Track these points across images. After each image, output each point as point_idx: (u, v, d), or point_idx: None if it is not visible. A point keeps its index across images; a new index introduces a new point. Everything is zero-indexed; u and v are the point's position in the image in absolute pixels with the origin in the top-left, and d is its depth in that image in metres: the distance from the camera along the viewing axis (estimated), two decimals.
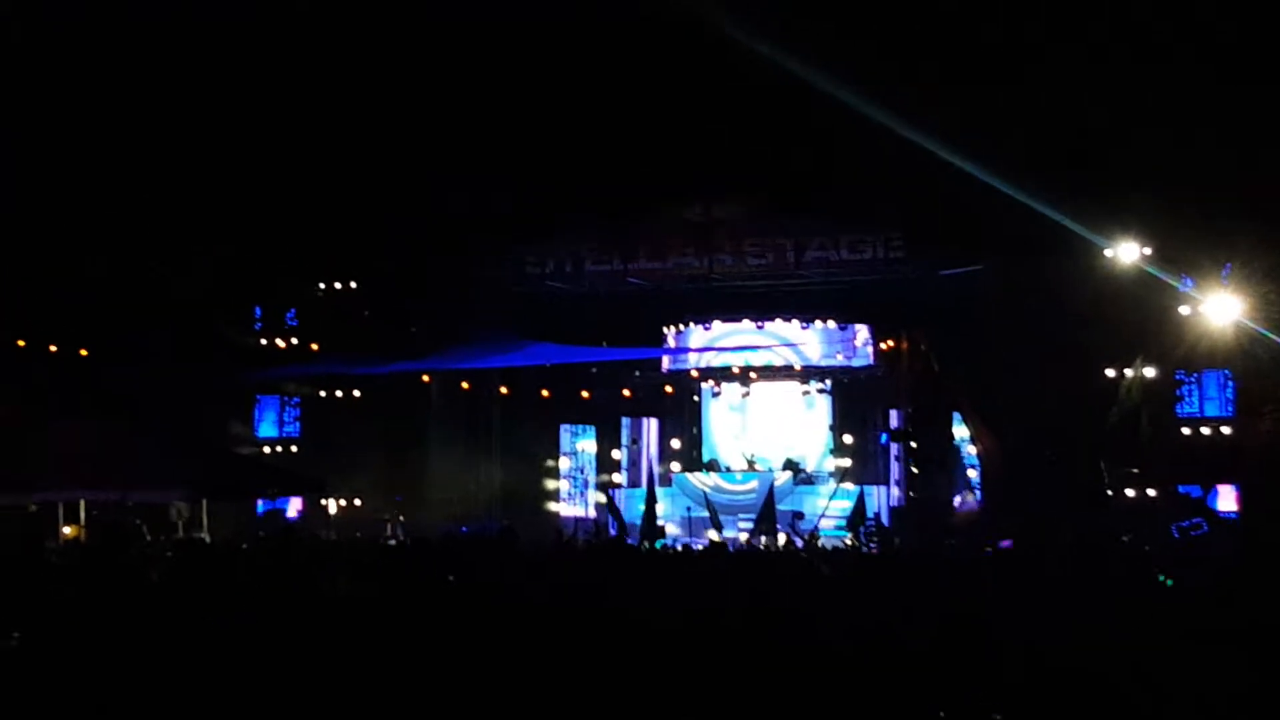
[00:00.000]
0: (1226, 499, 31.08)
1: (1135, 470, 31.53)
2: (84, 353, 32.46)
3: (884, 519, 34.36)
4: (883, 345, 37.75)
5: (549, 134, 30.18)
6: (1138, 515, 29.79)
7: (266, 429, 38.21)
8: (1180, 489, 31.09)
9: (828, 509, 33.04)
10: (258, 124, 29.50)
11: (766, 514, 32.46)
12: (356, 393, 36.81)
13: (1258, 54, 24.72)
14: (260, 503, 34.19)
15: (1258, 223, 27.46)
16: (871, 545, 29.89)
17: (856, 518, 32.26)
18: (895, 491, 37.89)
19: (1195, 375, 32.00)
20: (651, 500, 31.49)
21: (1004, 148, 27.06)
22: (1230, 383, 31.63)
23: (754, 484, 37.11)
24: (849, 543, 30.02)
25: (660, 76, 28.62)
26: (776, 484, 37.43)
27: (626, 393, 40.90)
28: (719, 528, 32.62)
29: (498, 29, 27.02)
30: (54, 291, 31.42)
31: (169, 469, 23.02)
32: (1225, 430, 31.59)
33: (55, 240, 30.48)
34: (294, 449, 37.47)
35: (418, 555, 16.87)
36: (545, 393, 39.15)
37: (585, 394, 40.14)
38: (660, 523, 32.37)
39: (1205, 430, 31.79)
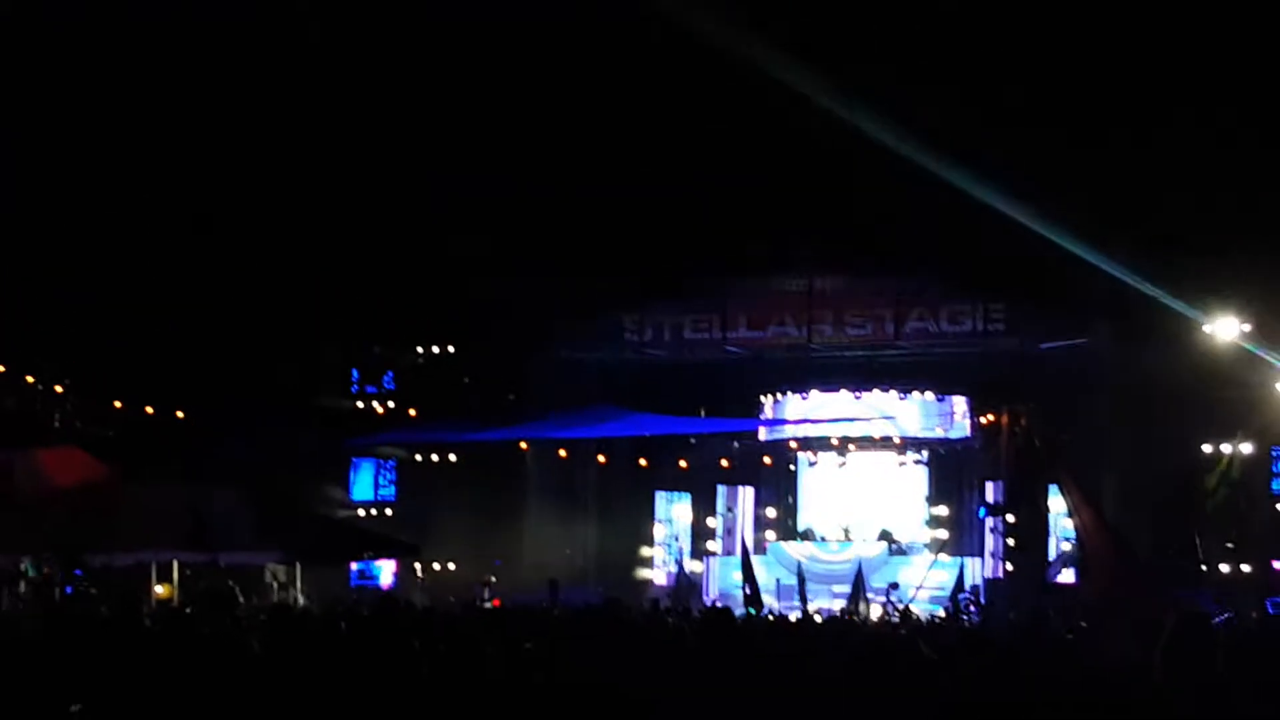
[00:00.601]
0: None
1: (1231, 545, 31.46)
2: (180, 414, 32.73)
3: (981, 591, 34.29)
4: (981, 419, 37.70)
5: (655, 203, 30.56)
6: (1231, 590, 29.76)
7: (361, 492, 38.43)
8: (1275, 563, 31.11)
9: (925, 580, 33.04)
10: (362, 188, 30.04)
11: (858, 584, 32.56)
12: (452, 457, 36.92)
13: None
14: (354, 567, 34.64)
15: None
16: (971, 614, 29.90)
17: (956, 589, 32.34)
18: (991, 563, 37.84)
19: None
20: (749, 568, 31.62)
21: (1105, 222, 27.22)
22: None
23: (849, 553, 37.10)
24: (944, 614, 30.00)
25: (772, 148, 29.07)
26: (871, 555, 37.60)
27: (725, 463, 41.07)
28: (804, 599, 32.63)
29: (613, 93, 27.56)
30: (151, 351, 31.78)
31: (263, 531, 23.23)
32: None
33: (153, 300, 30.88)
34: (388, 512, 37.69)
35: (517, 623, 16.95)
36: (643, 461, 39.35)
37: (683, 463, 40.36)
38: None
39: None
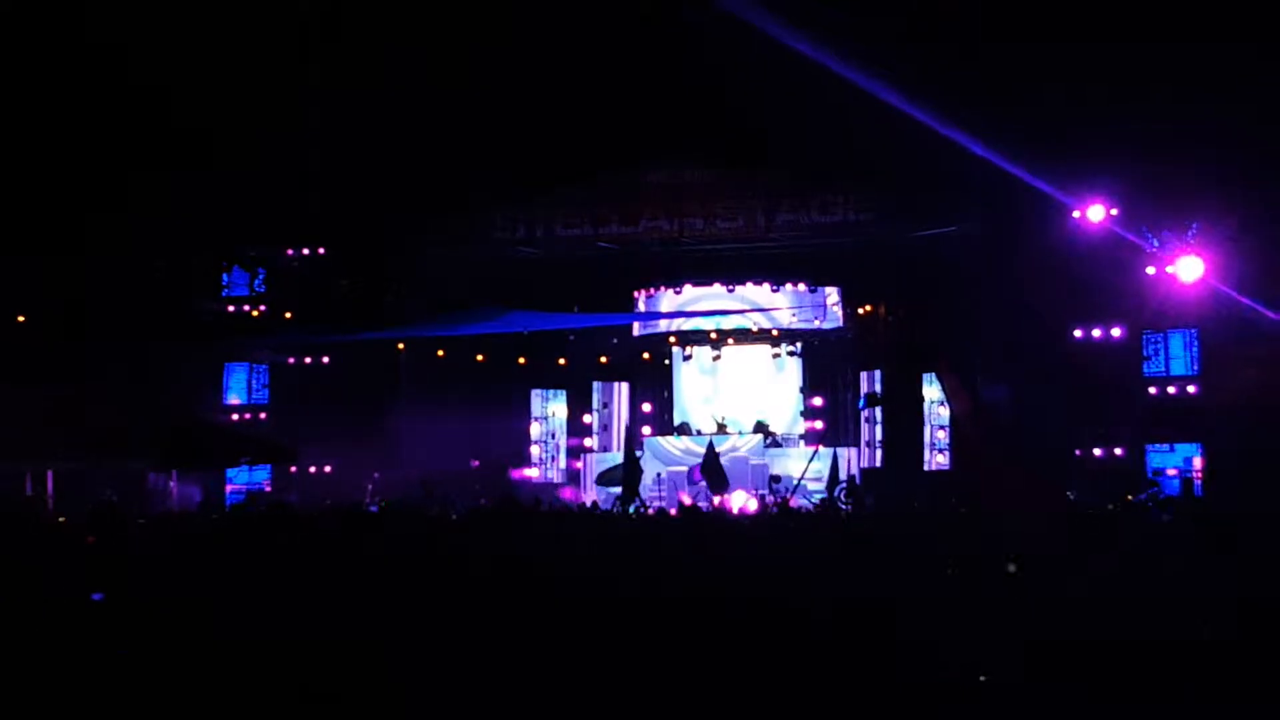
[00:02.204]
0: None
1: (1102, 431, 31.83)
2: (22, 319, 32.10)
3: (856, 480, 34.52)
4: (857, 309, 37.85)
5: (520, 98, 30.29)
6: (1103, 476, 30.20)
7: (235, 396, 38.06)
8: (1147, 448, 31.53)
9: (807, 472, 33.21)
10: (229, 86, 29.53)
11: (716, 472, 32.78)
12: (326, 359, 36.67)
13: (1222, 16, 24.95)
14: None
15: (1223, 182, 27.77)
16: (847, 505, 30.14)
17: (832, 480, 32.60)
18: (867, 453, 38.16)
19: (1161, 335, 32.21)
20: (634, 463, 31.66)
21: (974, 110, 27.25)
22: (1196, 342, 31.87)
23: (725, 446, 37.19)
24: (821, 503, 30.19)
25: (629, 38, 28.80)
26: (748, 446, 37.80)
27: (603, 359, 41.01)
28: (720, 488, 32.71)
29: None
30: (21, 255, 31.21)
31: (139, 437, 22.97)
32: (1191, 389, 31.82)
33: (20, 201, 30.28)
34: (263, 416, 37.34)
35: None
36: (521, 360, 39.17)
37: (562, 361, 40.25)
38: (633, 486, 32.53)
39: (1171, 389, 32.01)
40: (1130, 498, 25.52)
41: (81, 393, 24.32)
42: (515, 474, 39.15)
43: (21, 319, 31.75)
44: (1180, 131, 26.76)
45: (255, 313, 36.42)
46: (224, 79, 29.43)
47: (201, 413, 35.00)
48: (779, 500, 29.33)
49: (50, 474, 24.27)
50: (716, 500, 32.10)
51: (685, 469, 37.16)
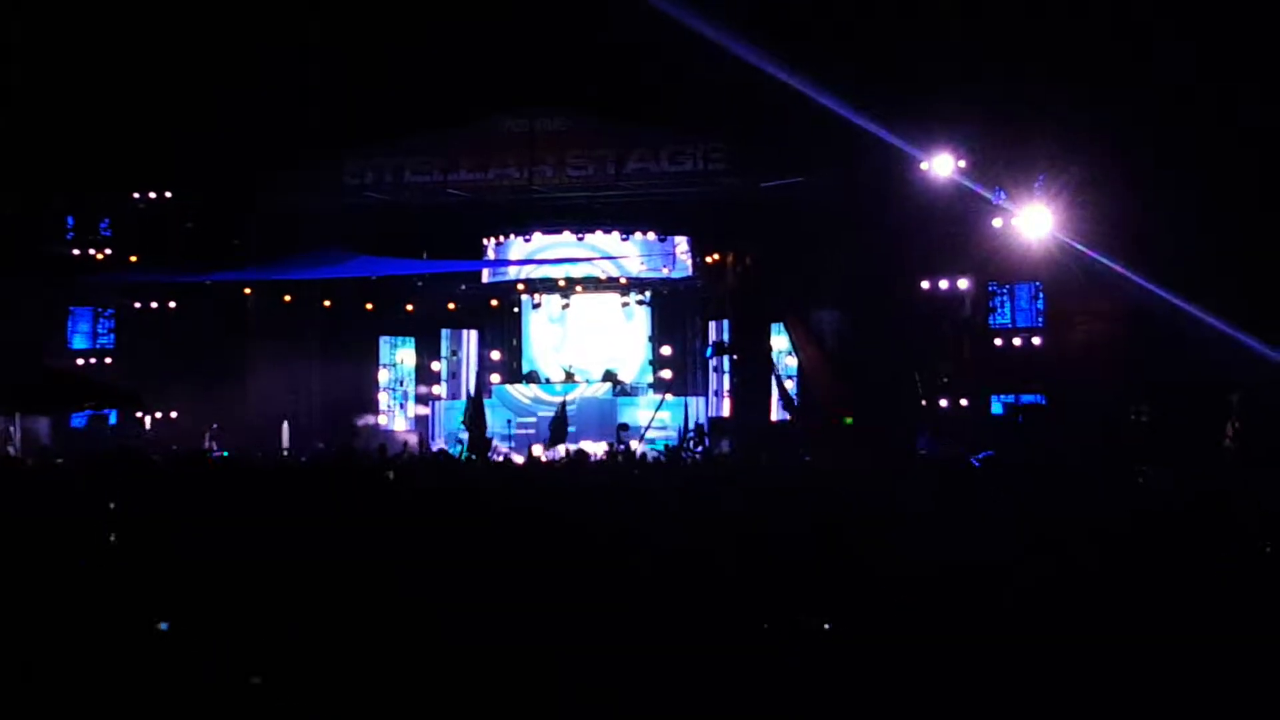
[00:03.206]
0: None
1: (947, 380, 32.16)
2: None
3: (705, 429, 34.67)
4: (706, 259, 37.89)
5: (372, 40, 30.05)
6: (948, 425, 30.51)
7: (79, 341, 37.51)
8: (994, 398, 31.91)
9: (653, 421, 33.27)
10: (74, 29, 29.05)
11: (559, 421, 32.86)
12: (172, 304, 36.23)
13: None
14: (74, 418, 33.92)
15: (1068, 135, 28.10)
16: (695, 453, 30.26)
17: (684, 429, 32.75)
18: (714, 402, 38.33)
19: (1007, 287, 32.57)
20: (481, 412, 31.53)
21: (822, 60, 27.31)
22: (1041, 294, 32.27)
23: (574, 395, 37.21)
24: (667, 451, 30.26)
25: None
26: (597, 395, 37.83)
27: (451, 306, 40.77)
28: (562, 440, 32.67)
29: None
30: None
31: None
32: (1036, 341, 32.23)
33: None
34: (108, 361, 36.80)
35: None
36: (369, 306, 38.86)
37: (409, 307, 39.99)
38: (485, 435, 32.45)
39: (1017, 341, 32.41)
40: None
41: None
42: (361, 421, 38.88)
43: None
44: (1028, 84, 27.04)
45: (100, 256, 35.83)
46: (76, 23, 28.97)
47: (46, 357, 34.44)
48: (625, 448, 29.39)
49: None
50: (563, 450, 32.08)
51: (534, 418, 37.13)
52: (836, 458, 24.80)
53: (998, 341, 32.43)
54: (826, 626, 8.44)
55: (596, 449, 31.92)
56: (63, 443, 31.62)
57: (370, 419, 39.39)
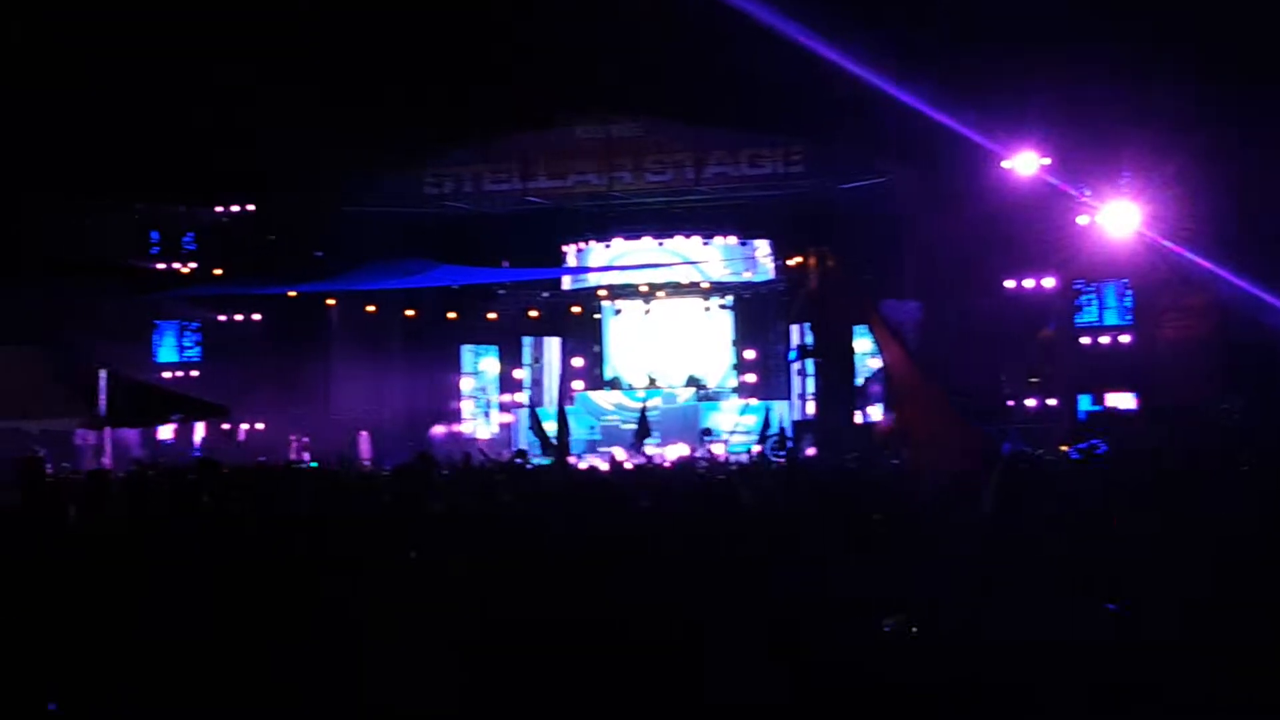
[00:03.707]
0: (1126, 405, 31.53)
1: (1035, 380, 31.83)
2: None
3: (789, 433, 34.45)
4: (787, 261, 37.66)
5: (447, 50, 30.04)
6: (1035, 426, 30.16)
7: (165, 355, 37.75)
8: (1079, 399, 31.53)
9: (737, 425, 33.11)
10: (149, 47, 29.20)
11: (641, 424, 32.70)
12: (256, 316, 36.44)
13: None
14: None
15: (1155, 131, 27.73)
16: (779, 456, 30.03)
17: (763, 432, 32.51)
18: (798, 405, 38.11)
19: (1094, 285, 32.23)
20: (563, 419, 31.46)
21: (902, 58, 27.08)
22: (1129, 292, 31.91)
23: (657, 400, 37.13)
24: (753, 454, 30.07)
25: None
26: (680, 400, 37.71)
27: (534, 313, 40.76)
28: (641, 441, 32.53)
29: None
30: None
31: (70, 395, 22.76)
32: (1124, 339, 31.86)
33: None
34: (194, 374, 37.01)
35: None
36: (452, 315, 38.86)
37: (492, 316, 39.99)
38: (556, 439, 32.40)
39: (1104, 340, 32.05)
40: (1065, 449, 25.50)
41: (13, 352, 24.03)
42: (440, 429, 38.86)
43: None
44: (1112, 80, 26.71)
45: (185, 270, 36.05)
46: (160, 33, 29.13)
47: (133, 371, 34.64)
48: (709, 452, 29.27)
49: None
50: (649, 452, 31.93)
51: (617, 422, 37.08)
52: (925, 460, 24.46)
53: (1085, 340, 32.06)
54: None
55: (679, 453, 31.85)
56: (152, 455, 31.78)
57: (450, 427, 39.33)
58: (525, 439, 37.88)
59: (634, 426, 33.77)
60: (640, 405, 34.99)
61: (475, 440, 38.88)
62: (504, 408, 41.02)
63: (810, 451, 32.13)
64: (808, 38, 25.75)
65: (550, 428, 31.45)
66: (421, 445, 33.91)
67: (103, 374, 22.07)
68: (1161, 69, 25.90)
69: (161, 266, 36.16)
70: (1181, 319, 29.80)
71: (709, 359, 40.63)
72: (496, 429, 40.68)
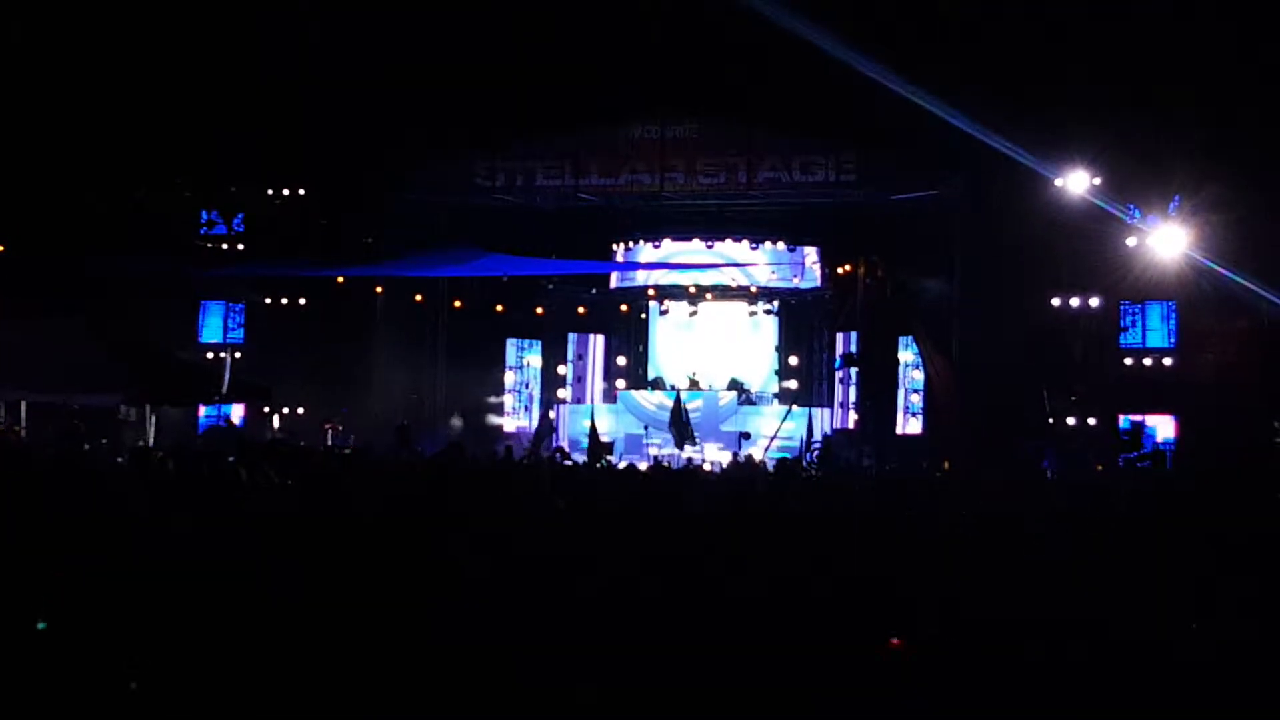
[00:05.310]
0: (1164, 429, 31.55)
1: (1075, 398, 31.84)
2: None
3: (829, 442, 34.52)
4: (836, 269, 37.75)
5: (505, 45, 30.22)
6: (1076, 443, 30.23)
7: (210, 334, 37.95)
8: (1121, 418, 31.54)
9: (779, 430, 33.23)
10: (211, 22, 29.48)
11: (681, 426, 32.78)
12: (302, 300, 36.52)
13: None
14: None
15: (1205, 155, 27.79)
16: (814, 461, 30.19)
17: (807, 439, 32.63)
18: (840, 414, 38.21)
19: (1139, 306, 32.24)
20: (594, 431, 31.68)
21: (958, 76, 27.20)
22: (1174, 314, 31.92)
23: (698, 402, 37.25)
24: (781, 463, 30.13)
25: None
26: (721, 404, 37.80)
27: (582, 310, 40.94)
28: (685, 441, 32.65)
29: None
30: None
31: (115, 372, 23.02)
32: (1167, 361, 31.88)
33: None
34: (237, 355, 37.15)
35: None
36: (499, 307, 39.05)
37: (539, 310, 40.17)
38: (606, 439, 32.59)
39: (1147, 361, 32.06)
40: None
41: (62, 326, 24.34)
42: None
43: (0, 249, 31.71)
44: (1164, 100, 26.79)
45: (235, 250, 36.26)
46: (213, 17, 29.38)
47: (177, 350, 34.85)
48: (748, 455, 29.39)
49: (24, 405, 24.47)
50: (686, 453, 32.09)
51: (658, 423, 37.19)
52: (967, 471, 24.68)
53: (1128, 361, 32.07)
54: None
55: (718, 455, 32.03)
56: (191, 435, 32.05)
57: (491, 419, 39.51)
58: (568, 435, 38.11)
59: (675, 427, 33.91)
60: (678, 402, 35.05)
61: (522, 433, 39.09)
62: (546, 403, 41.12)
63: (866, 459, 32.27)
64: (863, 52, 25.92)
65: (587, 425, 31.68)
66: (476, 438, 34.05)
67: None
68: (1208, 91, 25.99)
69: (211, 246, 36.32)
70: (1226, 343, 29.84)
71: (752, 363, 40.68)
72: (536, 424, 40.80)
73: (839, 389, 38.53)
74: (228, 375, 24.44)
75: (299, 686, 7.81)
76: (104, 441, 25.41)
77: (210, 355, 36.37)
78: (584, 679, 7.72)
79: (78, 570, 8.78)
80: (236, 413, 35.72)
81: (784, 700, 7.62)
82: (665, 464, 27.34)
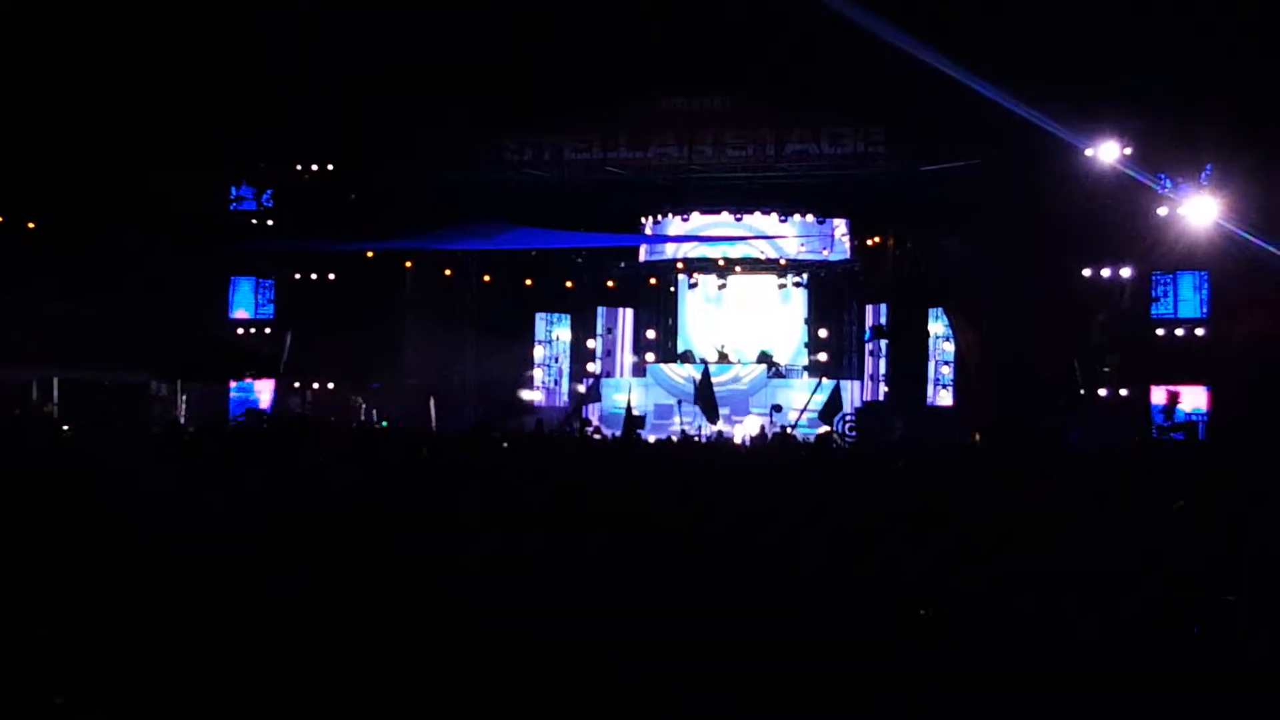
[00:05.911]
0: (1196, 399, 31.44)
1: (1107, 370, 31.72)
2: (29, 225, 32.06)
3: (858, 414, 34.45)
4: (865, 242, 37.64)
5: (536, 19, 30.13)
6: (1108, 415, 30.14)
7: (240, 309, 38.05)
8: (1153, 389, 31.43)
9: (810, 403, 33.14)
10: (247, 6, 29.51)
11: (708, 400, 32.68)
12: (331, 275, 36.56)
13: None
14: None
15: (1236, 124, 27.61)
16: (848, 437, 30.12)
17: (831, 410, 32.46)
18: (870, 386, 38.14)
19: (1171, 276, 32.13)
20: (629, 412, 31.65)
21: (987, 45, 27.04)
22: (1206, 284, 31.80)
23: (728, 375, 37.22)
24: (820, 434, 30.12)
25: None
26: (750, 376, 37.75)
27: (611, 284, 40.90)
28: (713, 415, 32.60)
29: None
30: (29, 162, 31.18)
31: (145, 349, 23.14)
32: (1199, 332, 31.75)
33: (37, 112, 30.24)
34: (267, 331, 37.22)
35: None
36: (528, 281, 39.03)
37: (569, 284, 40.14)
38: (638, 413, 32.53)
39: (1179, 331, 31.94)
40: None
41: (91, 305, 24.46)
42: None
43: (32, 226, 31.71)
44: (1195, 68, 26.62)
45: (264, 225, 36.32)
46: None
47: (208, 326, 34.93)
48: (781, 428, 29.31)
49: (55, 382, 24.55)
50: (715, 427, 32.02)
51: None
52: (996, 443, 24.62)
53: (1160, 332, 31.94)
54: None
55: (751, 429, 31.99)
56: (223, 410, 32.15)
57: (521, 394, 39.52)
58: (599, 410, 38.07)
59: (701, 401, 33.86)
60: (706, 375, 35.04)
61: (551, 408, 39.09)
62: (576, 376, 41.13)
63: (896, 431, 32.20)
64: (891, 22, 25.77)
65: (619, 400, 31.64)
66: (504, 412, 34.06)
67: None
68: (1241, 60, 25.80)
69: (239, 223, 36.37)
70: (1258, 313, 29.67)
71: (782, 336, 40.64)
72: (566, 399, 40.83)
73: (869, 361, 38.46)
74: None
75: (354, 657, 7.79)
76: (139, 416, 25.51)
77: (240, 331, 36.44)
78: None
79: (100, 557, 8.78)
80: (264, 389, 35.79)
81: (809, 678, 7.56)
82: (695, 438, 27.27)
